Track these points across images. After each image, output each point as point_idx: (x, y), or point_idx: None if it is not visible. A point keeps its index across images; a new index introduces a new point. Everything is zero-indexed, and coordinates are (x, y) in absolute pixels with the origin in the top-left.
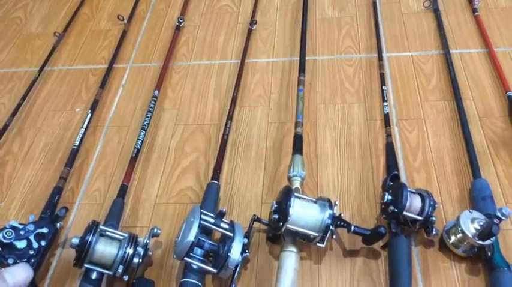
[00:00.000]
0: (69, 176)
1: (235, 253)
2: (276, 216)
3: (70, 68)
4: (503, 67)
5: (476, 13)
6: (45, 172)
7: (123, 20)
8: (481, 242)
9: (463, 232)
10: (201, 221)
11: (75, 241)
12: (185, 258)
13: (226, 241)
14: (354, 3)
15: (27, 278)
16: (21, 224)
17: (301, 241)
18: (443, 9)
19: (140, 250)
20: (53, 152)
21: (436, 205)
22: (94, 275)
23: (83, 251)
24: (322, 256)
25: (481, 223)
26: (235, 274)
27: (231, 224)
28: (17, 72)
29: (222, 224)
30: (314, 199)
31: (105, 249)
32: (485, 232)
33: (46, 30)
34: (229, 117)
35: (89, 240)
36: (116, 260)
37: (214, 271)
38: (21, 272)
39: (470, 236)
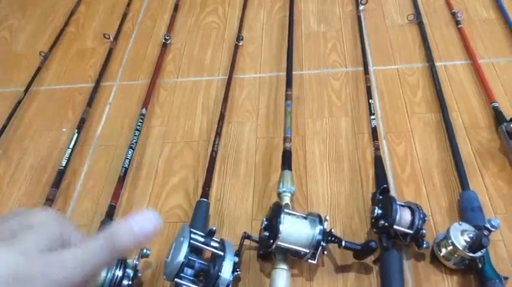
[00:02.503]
0: (56, 197)
1: (226, 272)
2: (267, 233)
3: (56, 87)
4: (488, 78)
5: (459, 25)
6: (31, 194)
7: (109, 38)
8: (471, 255)
9: (453, 244)
10: (191, 241)
11: None
12: (175, 279)
13: (216, 260)
14: (339, 18)
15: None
16: None
17: (293, 257)
18: (427, 22)
19: (129, 271)
20: (39, 173)
21: (426, 218)
22: None
23: None
24: (314, 272)
25: (471, 235)
26: None
27: (222, 243)
28: (2, 93)
29: (212, 243)
30: (304, 215)
31: None
32: (476, 244)
33: (32, 50)
34: (218, 134)
35: None
36: (105, 283)
37: None
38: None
39: (460, 248)
